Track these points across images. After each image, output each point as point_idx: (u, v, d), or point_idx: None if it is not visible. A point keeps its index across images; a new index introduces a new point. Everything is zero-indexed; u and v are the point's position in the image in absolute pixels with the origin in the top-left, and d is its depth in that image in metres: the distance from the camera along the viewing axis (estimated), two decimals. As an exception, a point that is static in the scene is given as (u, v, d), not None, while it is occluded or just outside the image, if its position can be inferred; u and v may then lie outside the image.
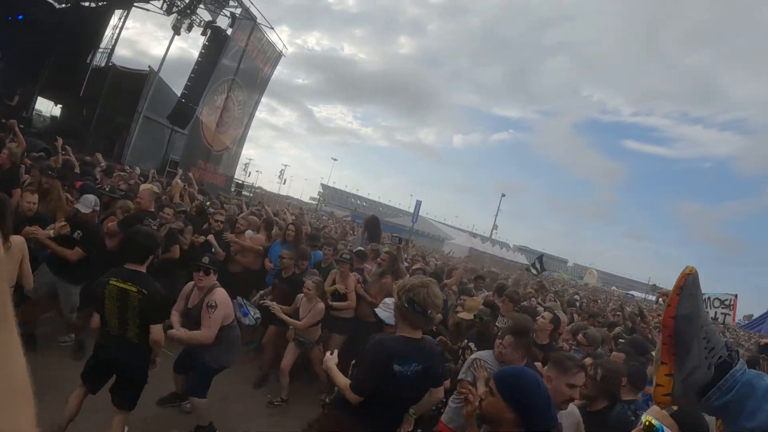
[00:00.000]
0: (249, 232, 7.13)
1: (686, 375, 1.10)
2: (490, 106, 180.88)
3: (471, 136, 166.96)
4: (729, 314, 5.07)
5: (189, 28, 17.97)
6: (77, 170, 8.17)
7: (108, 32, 20.26)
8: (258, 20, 20.05)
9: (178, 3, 17.51)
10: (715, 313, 5.37)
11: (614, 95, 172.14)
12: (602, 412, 3.24)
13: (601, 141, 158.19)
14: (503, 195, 74.91)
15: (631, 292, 66.06)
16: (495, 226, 76.27)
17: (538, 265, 16.91)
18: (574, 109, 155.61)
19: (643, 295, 58.34)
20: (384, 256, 6.30)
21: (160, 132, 19.02)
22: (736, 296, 5.96)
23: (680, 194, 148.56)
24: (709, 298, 5.47)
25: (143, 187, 7.26)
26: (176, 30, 17.78)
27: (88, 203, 5.21)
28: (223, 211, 7.58)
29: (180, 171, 11.56)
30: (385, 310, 3.42)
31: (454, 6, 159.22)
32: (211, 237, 6.65)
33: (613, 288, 72.91)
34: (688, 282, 1.10)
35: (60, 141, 8.84)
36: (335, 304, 5.87)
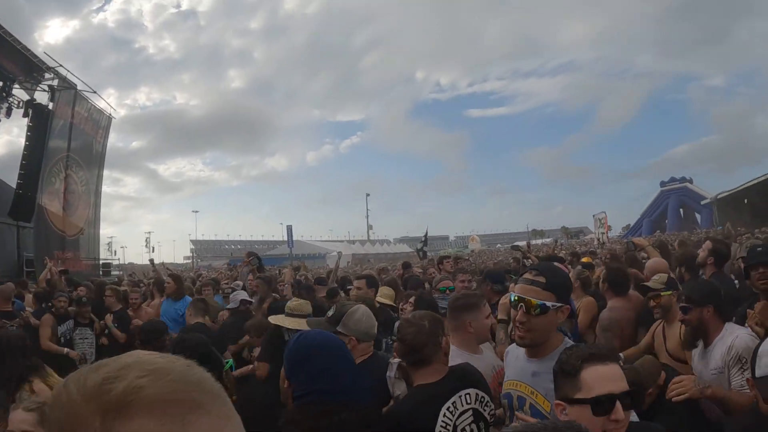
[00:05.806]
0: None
1: None
2: (334, 114, 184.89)
3: (323, 149, 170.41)
4: (604, 232, 5.89)
5: (8, 113, 16.65)
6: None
7: None
8: (79, 87, 18.97)
9: (-11, 88, 15.98)
10: (598, 234, 6.30)
11: (447, 73, 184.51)
12: None
13: (445, 117, 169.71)
14: (368, 195, 78.23)
15: (516, 243, 71.13)
16: (370, 226, 79.22)
17: (421, 247, 16.47)
18: (412, 94, 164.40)
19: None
20: (258, 283, 6.14)
21: (7, 233, 17.33)
22: (605, 214, 6.95)
23: (528, 143, 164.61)
24: (598, 219, 6.48)
25: None
26: (-6, 118, 16.25)
27: None
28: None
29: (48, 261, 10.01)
30: None
31: (274, 26, 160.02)
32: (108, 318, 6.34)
33: (498, 245, 78.23)
34: None
35: None
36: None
